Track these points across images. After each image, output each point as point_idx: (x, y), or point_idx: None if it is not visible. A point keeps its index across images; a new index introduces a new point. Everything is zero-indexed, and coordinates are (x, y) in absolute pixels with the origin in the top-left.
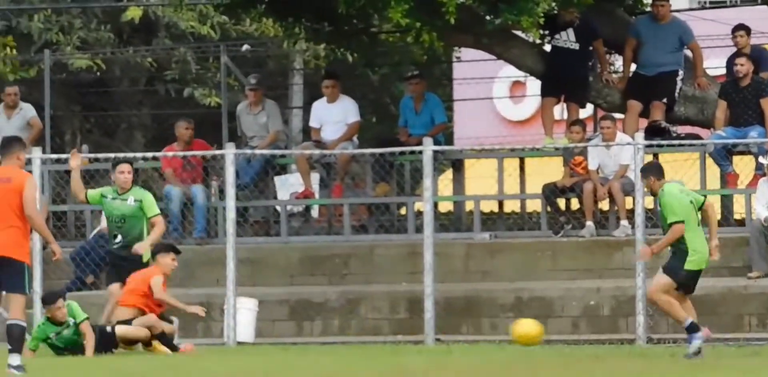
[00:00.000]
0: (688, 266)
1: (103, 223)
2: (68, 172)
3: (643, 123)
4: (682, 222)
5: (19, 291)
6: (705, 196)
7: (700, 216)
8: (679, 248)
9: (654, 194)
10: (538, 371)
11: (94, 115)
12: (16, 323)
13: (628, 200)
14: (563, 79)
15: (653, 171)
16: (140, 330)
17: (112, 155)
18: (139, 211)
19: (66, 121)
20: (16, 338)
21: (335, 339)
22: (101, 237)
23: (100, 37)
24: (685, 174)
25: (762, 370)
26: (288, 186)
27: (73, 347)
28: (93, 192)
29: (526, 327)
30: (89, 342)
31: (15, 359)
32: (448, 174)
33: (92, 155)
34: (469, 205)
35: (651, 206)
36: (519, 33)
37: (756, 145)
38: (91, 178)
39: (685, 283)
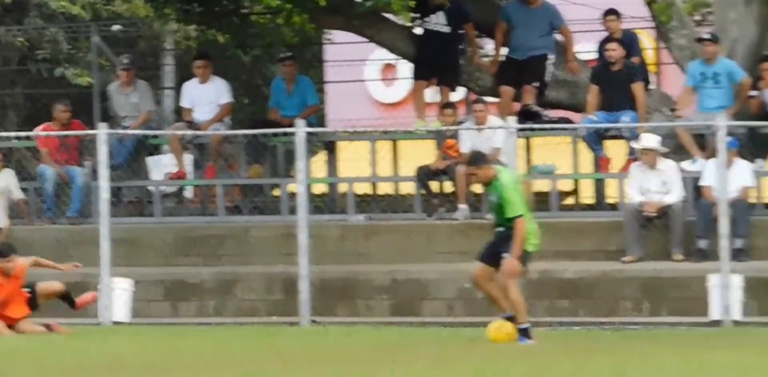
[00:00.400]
0: (530, 248)
1: None
2: None
3: (516, 107)
4: (522, 214)
5: None
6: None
7: None
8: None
9: (486, 183)
10: (414, 352)
11: None
12: None
13: None
14: (434, 62)
15: (483, 159)
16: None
17: None
18: None
19: None
20: None
21: (211, 320)
22: None
23: None
24: (558, 158)
25: (638, 354)
26: (161, 166)
27: None
28: None
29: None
30: None
31: None
32: (322, 156)
33: None
34: (343, 187)
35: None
36: (390, 16)
37: (628, 130)
38: None
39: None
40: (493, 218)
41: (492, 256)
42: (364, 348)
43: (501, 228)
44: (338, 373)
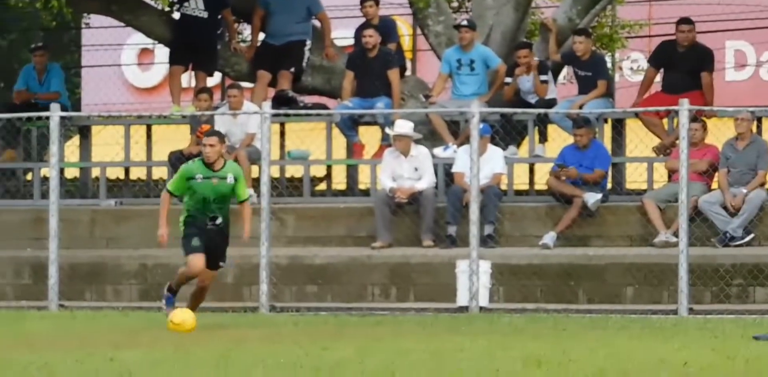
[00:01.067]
0: None
1: None
2: None
3: (271, 92)
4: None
5: None
6: None
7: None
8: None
9: (218, 164)
10: (159, 337)
11: None
12: None
13: (254, 168)
14: (191, 47)
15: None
16: None
17: None
18: None
19: None
20: None
21: None
22: None
23: None
24: (312, 143)
25: (382, 339)
26: None
27: None
28: None
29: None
30: None
31: None
32: (75, 140)
33: None
34: (96, 172)
35: (277, 175)
36: (148, 0)
37: (382, 116)
38: None
39: None
40: (206, 208)
41: (208, 250)
42: (110, 333)
43: (219, 220)
44: (84, 357)
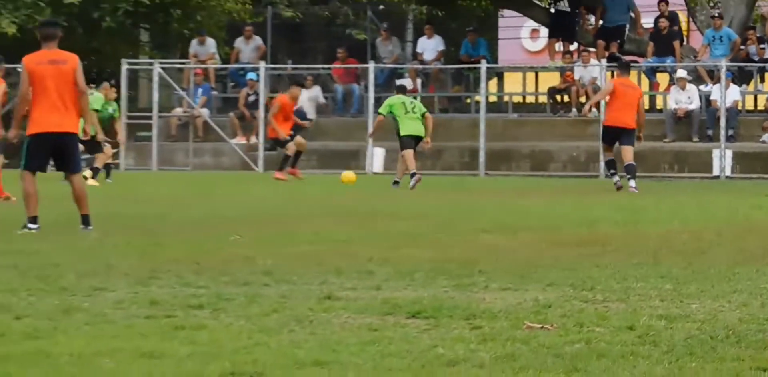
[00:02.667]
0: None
1: None
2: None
3: (606, 54)
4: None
5: None
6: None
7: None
8: None
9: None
10: (540, 194)
11: (295, 48)
12: None
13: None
14: (560, 28)
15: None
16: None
17: (302, 66)
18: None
19: (281, 51)
20: None
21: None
22: None
23: None
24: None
25: (669, 195)
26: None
27: None
28: None
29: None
30: None
31: None
32: (495, 80)
33: (285, 66)
34: (506, 97)
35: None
36: (537, 1)
37: (670, 67)
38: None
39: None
40: None
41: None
42: (514, 189)
43: None
44: (499, 204)
